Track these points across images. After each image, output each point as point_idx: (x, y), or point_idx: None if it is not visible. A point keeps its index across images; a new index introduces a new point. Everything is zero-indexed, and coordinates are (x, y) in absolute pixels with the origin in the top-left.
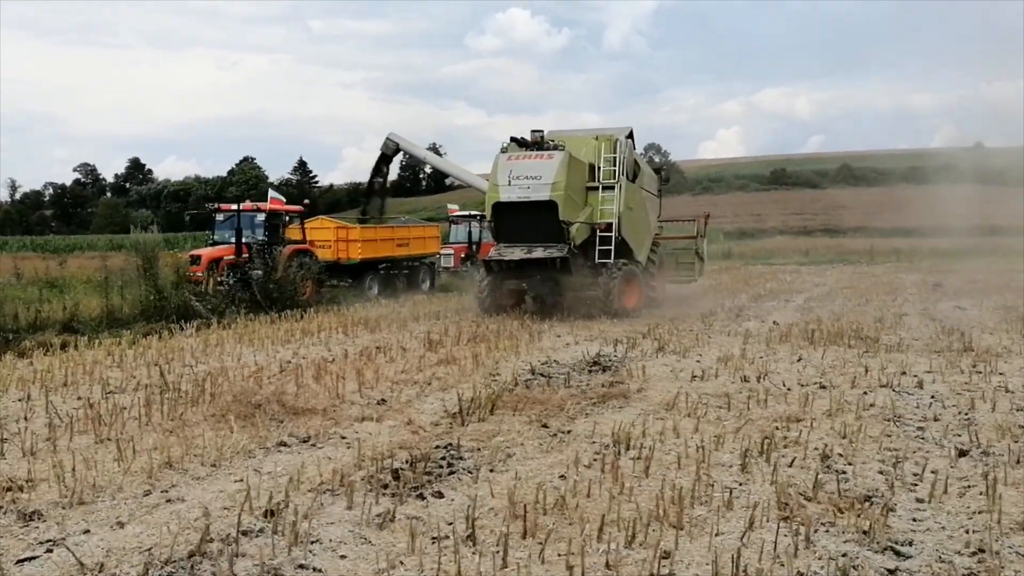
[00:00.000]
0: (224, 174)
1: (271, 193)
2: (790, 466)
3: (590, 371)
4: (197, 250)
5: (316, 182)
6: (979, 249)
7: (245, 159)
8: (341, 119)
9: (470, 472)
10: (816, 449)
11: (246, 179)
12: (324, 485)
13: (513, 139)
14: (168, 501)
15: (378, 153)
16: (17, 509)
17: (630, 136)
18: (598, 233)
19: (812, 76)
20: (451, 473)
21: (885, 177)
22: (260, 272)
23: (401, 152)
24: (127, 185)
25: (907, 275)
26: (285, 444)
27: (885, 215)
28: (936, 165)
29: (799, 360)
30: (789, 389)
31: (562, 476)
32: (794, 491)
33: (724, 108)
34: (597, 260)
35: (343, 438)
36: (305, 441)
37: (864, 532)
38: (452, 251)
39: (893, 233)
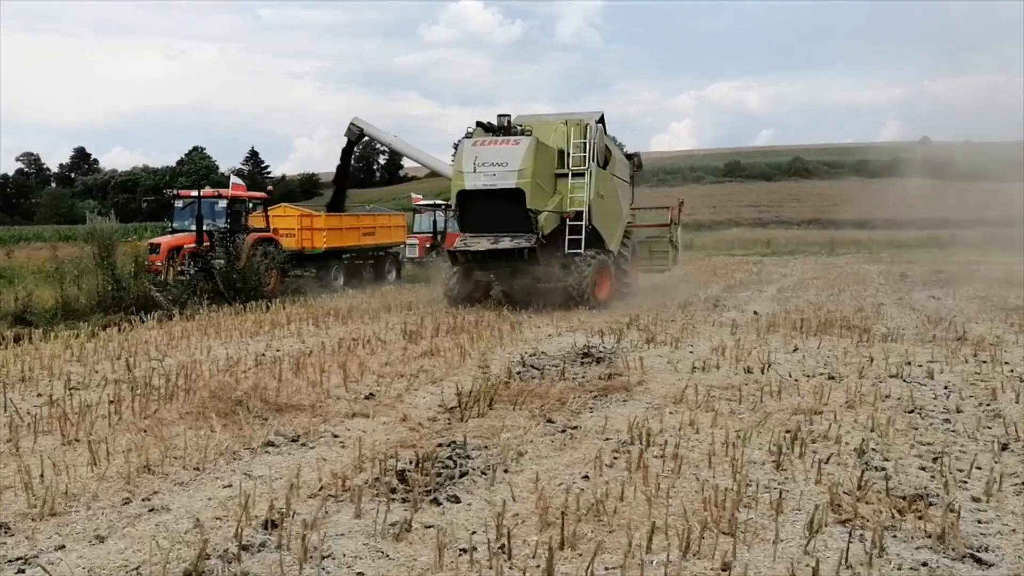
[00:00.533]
0: (173, 164)
1: (233, 179)
2: (826, 462)
3: (583, 363)
4: (156, 238)
5: (268, 172)
6: (935, 241)
7: (195, 149)
8: (292, 109)
9: (483, 473)
10: (847, 444)
11: (196, 169)
12: (325, 490)
13: (479, 124)
14: (151, 511)
15: (342, 141)
16: None
17: (600, 121)
18: (568, 222)
19: (763, 71)
20: (463, 475)
21: (836, 170)
22: (222, 261)
23: (365, 137)
24: (72, 175)
25: (870, 266)
26: (272, 444)
27: (838, 207)
28: (897, 158)
29: (795, 350)
30: (796, 380)
31: (585, 477)
32: (840, 490)
33: (676, 102)
34: (567, 250)
35: (335, 436)
36: (294, 440)
37: (938, 538)
38: (416, 241)
39: (845, 225)
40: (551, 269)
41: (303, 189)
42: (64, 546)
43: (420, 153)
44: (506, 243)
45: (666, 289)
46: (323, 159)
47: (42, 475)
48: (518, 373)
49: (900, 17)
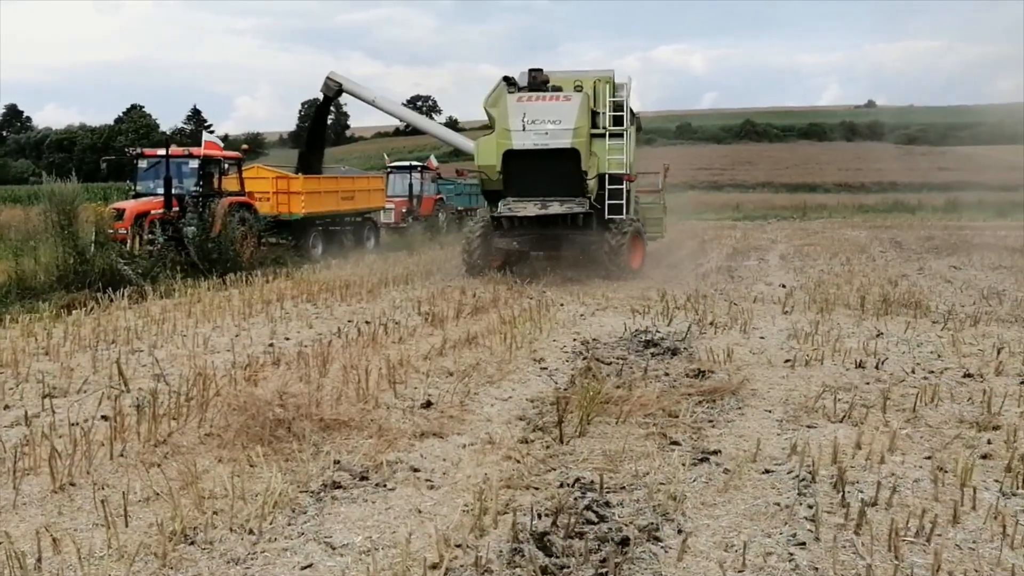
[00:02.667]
0: (111, 122)
1: (205, 136)
2: None
3: (654, 354)
4: (120, 203)
5: (212, 132)
6: (902, 206)
7: (133, 107)
8: (232, 67)
9: (653, 538)
10: None
11: (136, 128)
12: (453, 573)
13: (506, 79)
14: None
15: (293, 97)
16: None
17: None
18: (607, 186)
19: (705, 33)
20: (624, 542)
21: (787, 133)
22: (195, 228)
23: (344, 94)
24: (3, 133)
25: (852, 231)
26: (339, 485)
27: (791, 171)
28: (867, 122)
29: (879, 335)
30: (927, 379)
31: (800, 543)
32: None
33: (622, 63)
34: (607, 215)
35: (415, 471)
36: (364, 478)
37: None
38: (393, 206)
39: (800, 188)
40: (589, 236)
41: (249, 148)
42: None
43: (408, 112)
44: (556, 208)
45: (660, 257)
46: (265, 118)
47: (39, 559)
48: (587, 370)
49: None
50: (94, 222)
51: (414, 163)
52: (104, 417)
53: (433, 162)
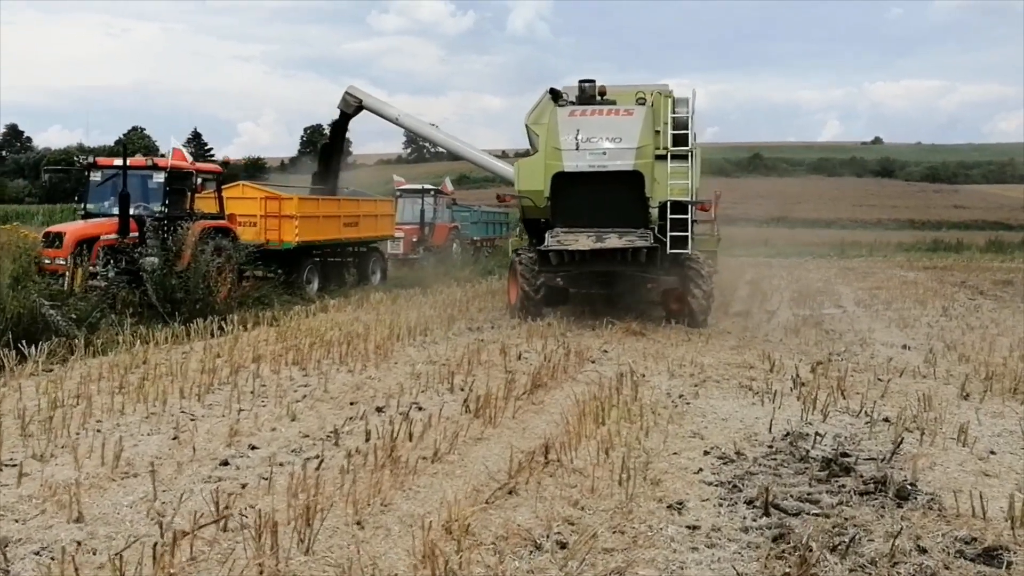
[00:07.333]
0: (111, 143)
1: (174, 144)
2: None
3: (863, 495)
4: (57, 226)
5: (212, 155)
6: (942, 244)
7: (134, 129)
8: (237, 93)
9: None
10: None
11: (135, 150)
12: None
13: (553, 91)
14: None
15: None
16: None
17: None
18: (668, 215)
19: (705, 69)
20: None
21: (795, 168)
22: (156, 260)
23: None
24: (3, 153)
25: (904, 272)
26: None
27: (803, 206)
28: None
29: None
30: None
31: None
32: None
33: None
34: (670, 250)
35: None
36: None
37: None
38: (403, 234)
39: (815, 224)
40: (660, 275)
41: (249, 174)
42: None
43: (436, 132)
44: (615, 241)
45: (717, 301)
46: (269, 144)
47: None
48: (774, 536)
49: (837, 20)
50: (15, 250)
51: (427, 186)
52: None
53: (448, 186)
